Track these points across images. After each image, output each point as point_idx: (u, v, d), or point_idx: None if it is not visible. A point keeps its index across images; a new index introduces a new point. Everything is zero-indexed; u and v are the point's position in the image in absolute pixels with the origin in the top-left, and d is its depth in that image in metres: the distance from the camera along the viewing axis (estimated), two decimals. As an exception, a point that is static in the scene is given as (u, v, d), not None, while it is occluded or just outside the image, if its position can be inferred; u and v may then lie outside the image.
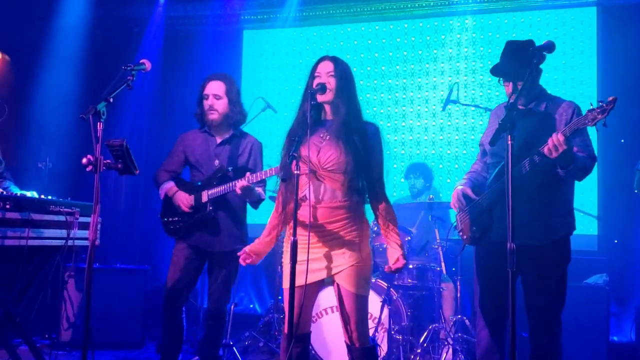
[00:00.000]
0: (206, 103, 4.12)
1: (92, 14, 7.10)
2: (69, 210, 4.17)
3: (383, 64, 7.32)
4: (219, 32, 7.53)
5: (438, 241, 5.35)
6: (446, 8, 7.06)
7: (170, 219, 4.16)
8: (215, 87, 4.13)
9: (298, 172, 2.92)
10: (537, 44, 3.10)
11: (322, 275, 3.08)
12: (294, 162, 2.90)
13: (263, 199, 4.15)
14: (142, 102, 7.45)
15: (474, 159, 3.88)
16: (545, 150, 3.05)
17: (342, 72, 3.17)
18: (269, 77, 7.66)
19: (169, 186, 4.18)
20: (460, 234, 3.67)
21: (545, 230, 3.29)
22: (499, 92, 6.61)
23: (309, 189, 3.07)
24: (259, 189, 4.06)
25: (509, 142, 2.77)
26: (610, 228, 6.35)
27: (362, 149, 3.07)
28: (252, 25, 7.72)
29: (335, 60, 3.20)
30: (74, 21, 7.06)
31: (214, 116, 4.13)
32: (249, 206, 4.26)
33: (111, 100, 3.08)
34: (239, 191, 3.87)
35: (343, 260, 3.04)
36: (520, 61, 3.25)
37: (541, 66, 3.29)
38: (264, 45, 7.71)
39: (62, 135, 6.65)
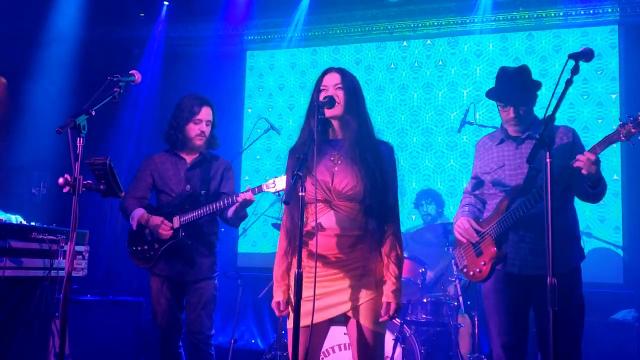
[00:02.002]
0: (197, 128, 3.94)
1: (90, 35, 6.91)
2: (53, 237, 3.89)
3: (393, 85, 7.01)
4: (221, 52, 7.31)
5: (455, 273, 4.95)
6: (460, 27, 6.80)
7: (139, 248, 3.95)
8: (209, 113, 3.99)
9: (303, 193, 2.55)
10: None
11: (335, 312, 2.75)
12: (299, 183, 2.53)
13: (246, 216, 4.02)
14: (142, 124, 7.22)
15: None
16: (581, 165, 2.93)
17: (351, 84, 2.89)
18: (273, 98, 7.41)
19: (140, 212, 3.94)
20: (465, 270, 3.43)
21: (562, 259, 3.03)
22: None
23: (315, 215, 2.72)
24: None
25: (547, 160, 2.44)
26: (637, 259, 5.97)
27: (378, 170, 2.77)
28: (256, 46, 7.51)
29: (342, 71, 2.92)
30: (71, 42, 6.85)
31: (202, 142, 3.98)
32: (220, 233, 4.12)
33: (93, 113, 2.74)
34: (240, 199, 3.74)
35: (360, 294, 2.72)
36: (520, 86, 3.25)
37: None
38: (268, 66, 7.50)
39: (58, 159, 6.36)
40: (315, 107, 2.76)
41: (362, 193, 2.71)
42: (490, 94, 3.37)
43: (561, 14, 6.48)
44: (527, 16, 6.57)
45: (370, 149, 2.79)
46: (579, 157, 2.91)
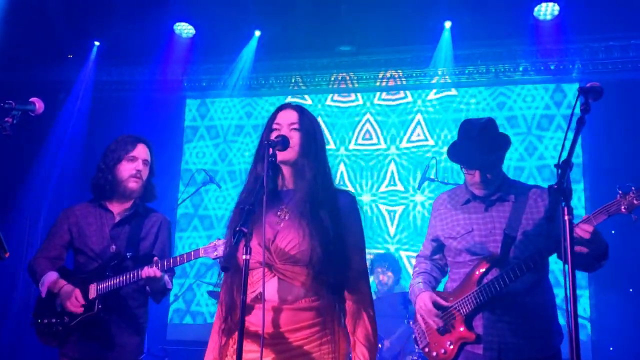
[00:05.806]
0: (132, 166, 3.32)
1: (8, 76, 6.17)
2: None
3: (345, 140, 6.57)
4: (158, 99, 6.73)
5: (417, 350, 4.34)
6: (422, 79, 6.50)
7: (46, 321, 3.22)
8: (145, 152, 3.40)
9: (247, 256, 1.96)
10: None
11: None
12: (242, 242, 1.92)
13: (170, 289, 3.37)
14: (64, 175, 6.53)
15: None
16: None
17: (309, 126, 2.39)
18: (214, 149, 6.88)
19: (52, 279, 3.26)
20: (426, 350, 2.95)
21: (540, 342, 2.73)
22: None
23: (264, 284, 2.10)
24: (165, 277, 3.27)
25: (566, 218, 1.95)
26: (606, 333, 5.59)
27: (333, 229, 2.22)
28: (196, 93, 7.03)
29: (300, 109, 2.41)
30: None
31: (137, 185, 3.34)
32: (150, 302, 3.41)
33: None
34: (143, 276, 3.11)
35: None
36: (486, 148, 2.82)
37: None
38: (209, 115, 7.01)
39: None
40: (265, 147, 2.19)
41: (309, 255, 2.20)
42: (452, 156, 2.93)
43: (520, 68, 6.28)
44: (484, 70, 6.35)
45: (326, 203, 2.26)
46: (576, 230, 2.51)
